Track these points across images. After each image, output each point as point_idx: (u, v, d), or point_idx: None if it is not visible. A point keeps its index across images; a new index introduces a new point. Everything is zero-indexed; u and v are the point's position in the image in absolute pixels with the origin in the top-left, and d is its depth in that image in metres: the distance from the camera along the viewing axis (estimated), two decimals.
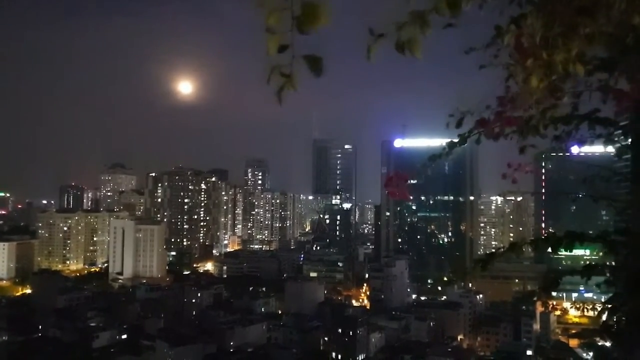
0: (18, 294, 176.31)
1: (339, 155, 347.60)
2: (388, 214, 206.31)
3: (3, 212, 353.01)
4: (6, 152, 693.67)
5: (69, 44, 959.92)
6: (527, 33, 2.47)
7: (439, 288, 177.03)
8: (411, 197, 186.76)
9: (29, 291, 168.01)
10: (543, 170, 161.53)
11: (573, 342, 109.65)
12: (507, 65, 2.63)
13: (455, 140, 3.80)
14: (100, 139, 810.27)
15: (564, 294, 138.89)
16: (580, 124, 3.84)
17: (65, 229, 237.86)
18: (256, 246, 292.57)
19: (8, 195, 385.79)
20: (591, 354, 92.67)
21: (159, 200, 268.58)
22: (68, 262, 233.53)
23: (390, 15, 2.27)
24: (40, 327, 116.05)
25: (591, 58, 2.57)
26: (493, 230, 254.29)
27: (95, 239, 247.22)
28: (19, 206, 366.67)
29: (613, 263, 5.52)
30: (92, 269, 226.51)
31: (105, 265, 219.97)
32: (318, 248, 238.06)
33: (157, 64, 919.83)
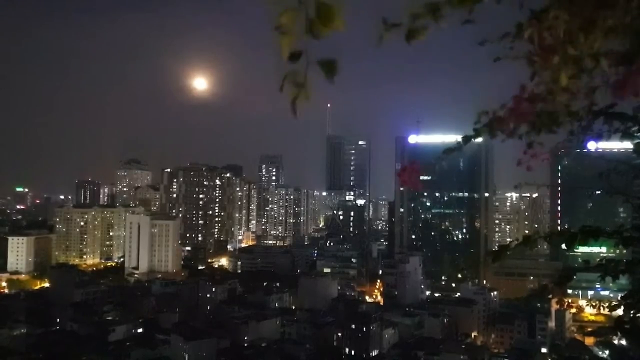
0: (36, 287, 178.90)
1: (353, 151, 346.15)
2: (402, 210, 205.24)
3: (22, 207, 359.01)
4: (24, 148, 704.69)
5: (84, 41, 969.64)
6: (548, 27, 2.36)
7: (453, 285, 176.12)
8: (423, 188, 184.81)
9: (46, 285, 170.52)
10: (559, 167, 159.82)
11: (589, 341, 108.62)
12: (530, 61, 2.48)
13: (470, 134, 3.76)
14: (116, 135, 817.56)
15: (580, 292, 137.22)
16: (596, 119, 3.77)
17: (82, 223, 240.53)
18: (270, 242, 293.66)
19: (26, 190, 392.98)
20: (607, 352, 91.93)
21: (174, 195, 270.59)
22: (85, 256, 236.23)
23: (405, 7, 2.17)
24: (57, 320, 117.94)
25: (608, 51, 2.46)
26: (508, 227, 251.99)
27: (111, 233, 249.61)
28: (37, 201, 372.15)
29: (630, 259, 5.45)
30: (108, 264, 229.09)
31: (121, 259, 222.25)
32: (332, 244, 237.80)
33: (172, 60, 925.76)
